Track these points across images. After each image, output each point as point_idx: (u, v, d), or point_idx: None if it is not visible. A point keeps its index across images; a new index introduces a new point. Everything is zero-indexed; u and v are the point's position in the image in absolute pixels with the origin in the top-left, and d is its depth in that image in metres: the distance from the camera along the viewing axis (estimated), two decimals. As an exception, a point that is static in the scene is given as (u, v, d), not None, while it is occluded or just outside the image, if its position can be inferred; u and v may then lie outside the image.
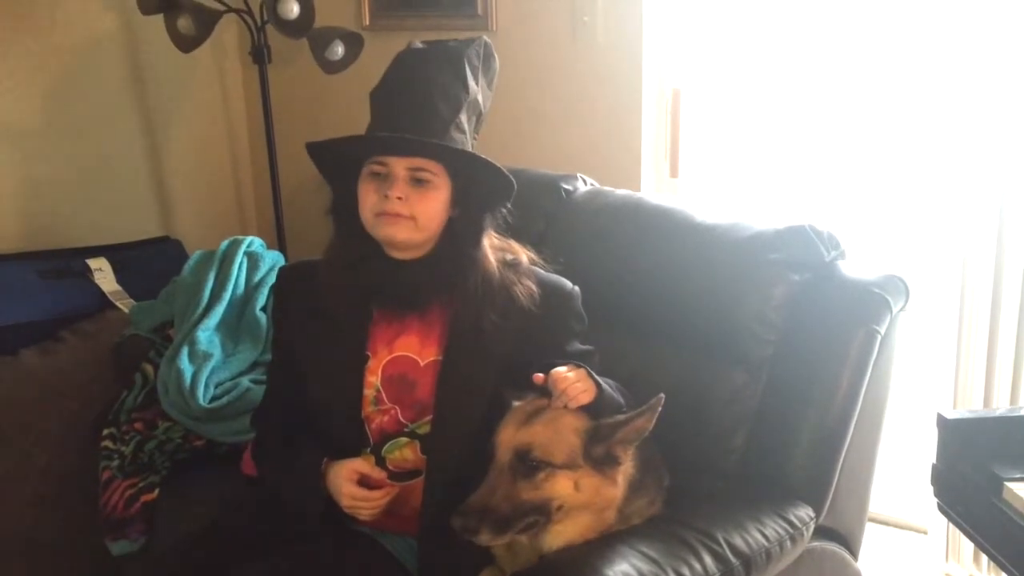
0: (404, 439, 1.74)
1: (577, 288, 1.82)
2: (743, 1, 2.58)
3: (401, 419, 1.75)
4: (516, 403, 1.64)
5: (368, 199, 1.66)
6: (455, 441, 1.70)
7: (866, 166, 2.56)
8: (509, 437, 1.58)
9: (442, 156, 1.66)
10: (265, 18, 2.87)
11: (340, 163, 1.71)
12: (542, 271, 1.81)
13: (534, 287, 1.75)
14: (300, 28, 2.84)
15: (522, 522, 1.54)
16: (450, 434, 1.71)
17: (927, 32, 2.37)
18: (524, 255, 1.80)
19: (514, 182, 1.70)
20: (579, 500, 1.56)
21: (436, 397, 1.72)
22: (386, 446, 1.75)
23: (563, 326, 1.79)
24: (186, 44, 2.80)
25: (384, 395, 1.74)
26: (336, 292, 1.74)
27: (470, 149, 1.70)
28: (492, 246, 1.75)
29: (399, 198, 1.63)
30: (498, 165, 1.68)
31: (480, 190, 1.71)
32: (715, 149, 2.73)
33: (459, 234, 1.71)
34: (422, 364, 1.74)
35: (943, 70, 2.33)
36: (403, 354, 1.75)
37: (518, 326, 1.73)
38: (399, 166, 1.64)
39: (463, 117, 1.67)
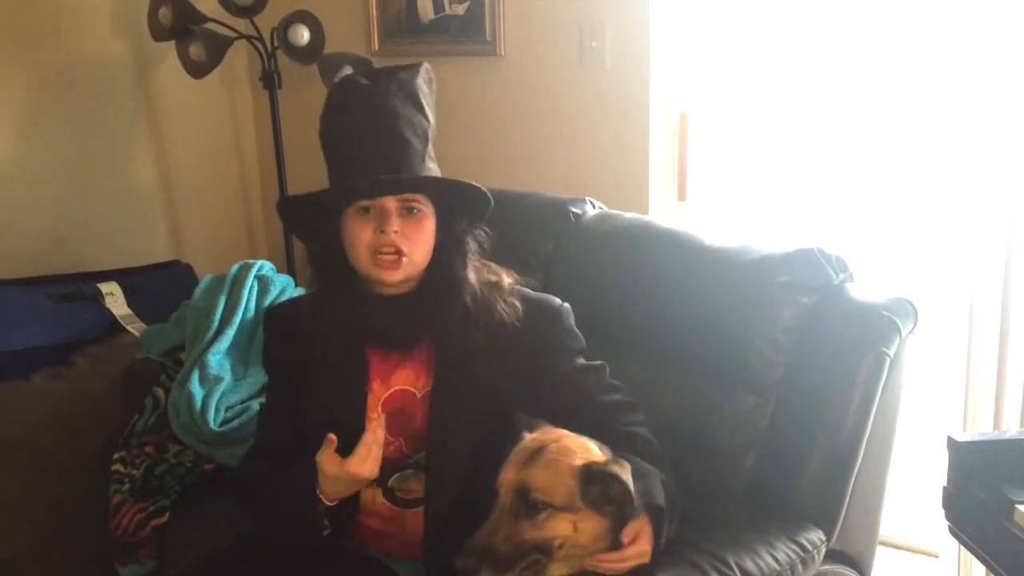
0: (409, 471, 1.74)
1: (567, 305, 1.81)
2: (750, 25, 2.60)
3: (404, 451, 1.74)
4: (527, 434, 1.64)
5: (362, 236, 1.65)
6: (452, 468, 1.69)
7: (874, 188, 2.57)
8: (510, 479, 1.57)
9: (435, 189, 1.67)
10: (275, 44, 2.90)
11: (320, 211, 1.70)
12: (528, 290, 1.80)
13: (518, 304, 1.75)
14: (310, 54, 2.87)
15: (524, 561, 1.53)
16: (446, 462, 1.70)
17: (937, 57, 2.38)
18: (506, 277, 1.79)
19: (491, 199, 1.71)
20: (578, 541, 1.56)
21: (428, 427, 1.72)
22: (393, 478, 1.74)
23: (556, 344, 1.77)
24: (198, 70, 2.83)
25: (387, 430, 1.72)
26: (326, 337, 1.73)
27: (439, 175, 1.72)
28: (473, 268, 1.75)
29: (396, 232, 1.63)
30: (482, 188, 1.69)
31: (460, 213, 1.72)
32: (723, 172, 2.74)
33: (445, 260, 1.71)
34: (419, 396, 1.74)
35: (952, 92, 2.34)
36: (401, 388, 1.75)
37: (504, 345, 1.72)
38: (390, 200, 1.64)
39: (430, 147, 1.69)
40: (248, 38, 2.92)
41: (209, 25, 2.84)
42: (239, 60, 3.32)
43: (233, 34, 2.88)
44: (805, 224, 2.63)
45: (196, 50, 2.80)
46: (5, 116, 2.83)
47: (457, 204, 1.71)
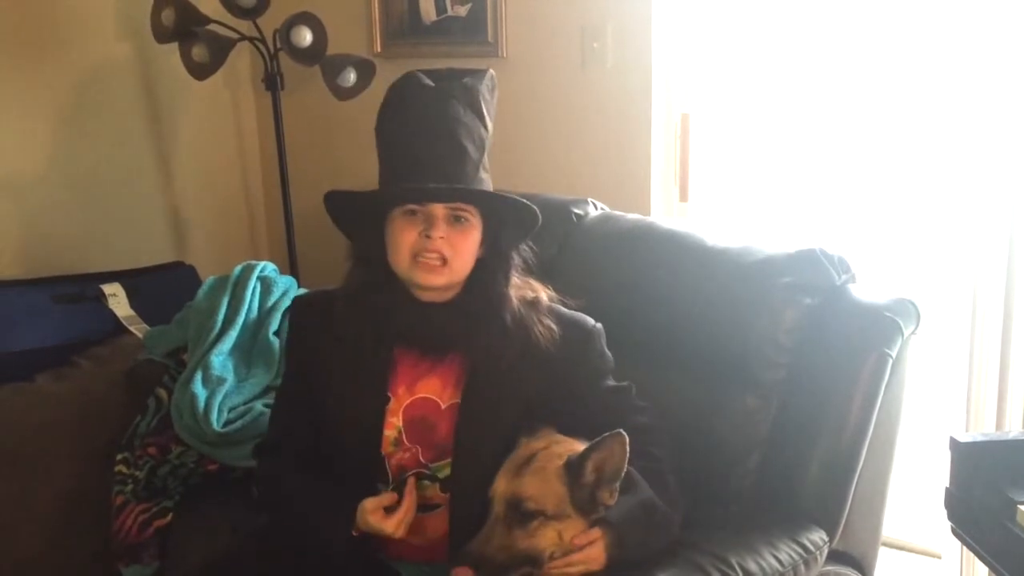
0: (426, 482, 1.73)
1: (600, 325, 1.80)
2: (752, 26, 2.60)
3: (421, 459, 1.73)
4: (524, 440, 1.64)
5: (406, 238, 1.63)
6: (476, 483, 1.66)
7: (876, 189, 2.57)
8: (503, 489, 1.59)
9: (485, 202, 1.66)
10: (278, 46, 2.90)
11: (366, 210, 1.68)
12: (563, 308, 1.79)
13: (554, 327, 1.73)
14: (313, 55, 2.87)
15: (517, 571, 1.54)
16: (470, 477, 1.68)
17: (938, 57, 2.38)
18: (544, 293, 1.78)
19: (539, 216, 1.69)
20: (563, 548, 1.56)
21: (455, 441, 1.70)
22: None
23: (587, 365, 1.76)
24: (200, 72, 2.83)
25: (405, 437, 1.73)
26: (358, 334, 1.71)
27: (491, 186, 1.70)
28: (513, 285, 1.74)
29: (441, 238, 1.62)
30: (532, 205, 1.68)
31: (508, 228, 1.71)
32: (725, 173, 2.74)
33: (488, 274, 1.70)
34: (443, 407, 1.73)
35: (954, 93, 2.35)
36: (424, 396, 1.73)
37: (538, 367, 1.71)
38: (438, 207, 1.63)
39: (486, 157, 1.67)
40: (251, 40, 2.92)
41: (212, 27, 2.84)
42: (242, 62, 3.33)
43: (236, 36, 2.88)
44: (807, 225, 2.63)
45: (199, 52, 2.80)
46: (7, 119, 2.83)
47: (505, 218, 1.70)
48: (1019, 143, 2.18)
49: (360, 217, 1.70)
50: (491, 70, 1.73)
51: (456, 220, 1.64)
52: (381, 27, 3.09)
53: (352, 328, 1.72)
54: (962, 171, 2.32)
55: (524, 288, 1.76)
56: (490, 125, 1.69)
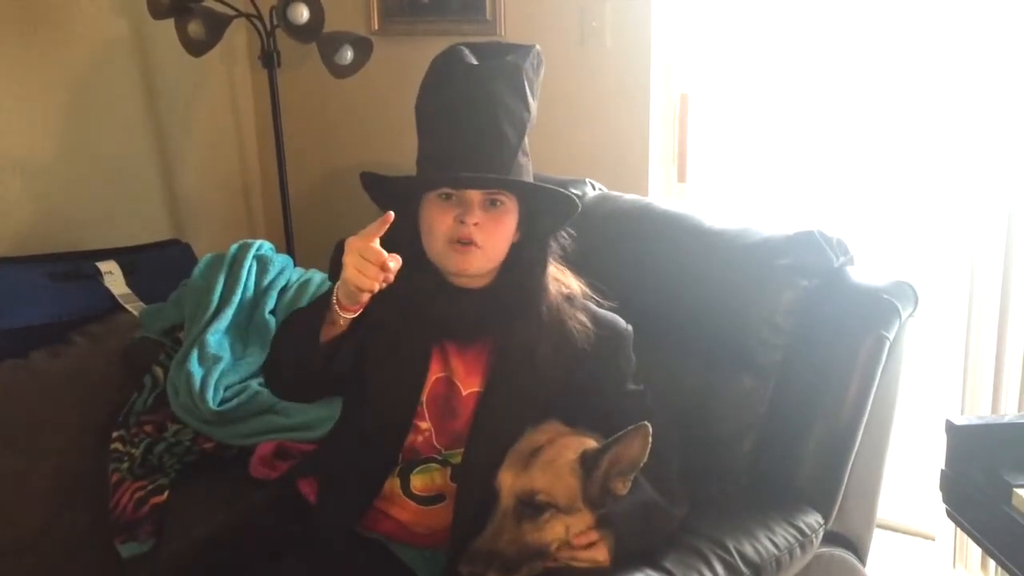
0: (435, 465, 1.70)
1: (630, 328, 1.77)
2: (751, 6, 2.59)
3: (435, 443, 1.71)
4: (528, 430, 1.63)
5: (442, 223, 1.60)
6: (485, 475, 1.63)
7: (874, 171, 2.56)
8: (509, 483, 1.57)
9: (518, 191, 1.63)
10: (275, 23, 2.89)
11: (400, 192, 1.65)
12: (595, 307, 1.76)
13: (589, 324, 1.70)
14: (310, 33, 2.85)
15: (528, 566, 1.53)
16: (481, 468, 1.64)
17: (935, 38, 2.37)
18: (578, 287, 1.75)
19: (579, 204, 1.66)
20: (568, 542, 1.56)
21: (471, 430, 1.68)
22: (416, 469, 1.71)
23: (613, 366, 1.74)
24: (197, 48, 2.82)
25: (426, 411, 1.71)
26: (394, 320, 1.67)
27: (531, 170, 1.67)
28: (551, 275, 1.71)
29: (476, 224, 1.59)
30: (569, 194, 1.65)
31: (545, 214, 1.68)
32: (723, 154, 2.73)
33: (525, 260, 1.67)
34: (464, 393, 1.70)
35: (951, 74, 2.34)
36: (448, 376, 1.71)
37: (567, 364, 1.68)
38: (474, 192, 1.60)
39: (526, 141, 1.64)
40: (247, 16, 2.90)
41: (208, 3, 2.82)
42: (238, 38, 3.31)
43: (232, 12, 2.86)
44: (806, 206, 2.63)
45: (195, 28, 2.78)
46: (3, 95, 2.82)
47: (542, 205, 1.67)
48: (1016, 126, 2.18)
49: (395, 198, 1.66)
50: (537, 46, 1.68)
51: (491, 204, 1.61)
52: (379, 4, 3.07)
53: (389, 312, 1.65)
54: (960, 154, 2.31)
55: (560, 281, 1.73)
56: (533, 106, 1.65)
